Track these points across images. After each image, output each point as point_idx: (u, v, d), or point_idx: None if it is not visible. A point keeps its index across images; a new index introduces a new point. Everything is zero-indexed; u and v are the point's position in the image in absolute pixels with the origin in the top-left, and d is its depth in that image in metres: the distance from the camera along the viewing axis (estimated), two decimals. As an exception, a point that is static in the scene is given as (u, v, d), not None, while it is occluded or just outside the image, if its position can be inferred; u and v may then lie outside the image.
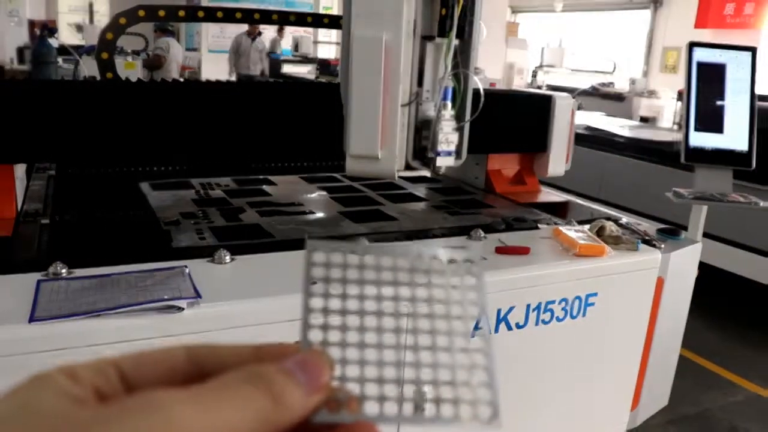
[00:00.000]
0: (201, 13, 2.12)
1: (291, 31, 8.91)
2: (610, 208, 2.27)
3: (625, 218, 1.93)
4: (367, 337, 0.31)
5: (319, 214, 1.81)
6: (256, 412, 0.26)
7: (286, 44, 9.07)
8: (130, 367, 0.29)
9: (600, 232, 1.67)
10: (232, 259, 1.33)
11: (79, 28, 10.00)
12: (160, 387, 0.28)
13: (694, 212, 2.02)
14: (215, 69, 8.35)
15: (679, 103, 6.89)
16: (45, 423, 0.24)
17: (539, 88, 7.90)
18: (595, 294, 1.59)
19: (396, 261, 0.31)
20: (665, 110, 7.33)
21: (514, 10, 11.57)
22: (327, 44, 10.22)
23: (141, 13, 1.90)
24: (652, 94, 7.53)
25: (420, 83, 1.57)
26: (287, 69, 8.51)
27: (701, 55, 2.00)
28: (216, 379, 0.27)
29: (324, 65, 8.25)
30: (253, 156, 1.89)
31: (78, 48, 7.63)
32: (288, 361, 0.29)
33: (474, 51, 1.57)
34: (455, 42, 1.52)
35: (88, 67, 6.25)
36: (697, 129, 1.99)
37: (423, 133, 1.59)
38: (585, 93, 7.16)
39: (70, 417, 0.25)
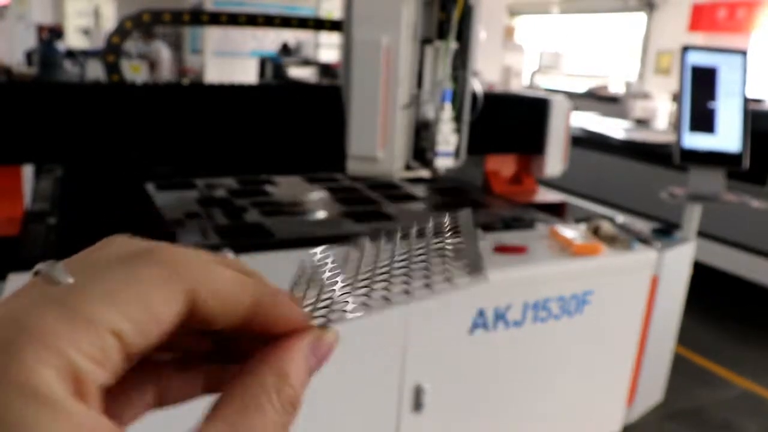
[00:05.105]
0: (205, 17, 2.15)
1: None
2: (605, 207, 2.30)
3: (620, 218, 1.96)
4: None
5: (321, 214, 1.83)
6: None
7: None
8: (131, 337, 0.23)
9: (596, 232, 1.70)
10: (235, 258, 1.35)
11: (86, 31, 10.00)
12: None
13: (688, 212, 2.05)
14: (219, 72, 8.35)
15: (673, 105, 6.93)
16: None
17: (536, 90, 7.93)
18: (591, 292, 1.62)
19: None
20: (659, 112, 7.37)
21: (512, 13, 11.62)
22: (328, 47, 10.23)
23: (146, 17, 1.93)
24: (646, 96, 7.57)
25: (419, 85, 1.60)
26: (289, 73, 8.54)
27: (694, 58, 2.04)
28: (263, 417, 0.25)
29: (325, 68, 8.26)
30: (257, 157, 1.91)
31: (84, 51, 7.66)
32: (314, 360, 0.28)
33: (472, 54, 1.60)
34: (454, 45, 1.56)
35: (94, 70, 6.27)
36: (690, 130, 2.02)
37: (422, 134, 1.62)
38: (581, 95, 7.20)
39: None
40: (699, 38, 8.15)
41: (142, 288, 0.24)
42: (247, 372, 0.26)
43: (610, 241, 1.67)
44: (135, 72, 6.37)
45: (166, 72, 7.17)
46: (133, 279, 0.24)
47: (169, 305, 0.24)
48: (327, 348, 0.29)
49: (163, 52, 7.18)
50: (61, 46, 7.54)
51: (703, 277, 2.89)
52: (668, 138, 4.25)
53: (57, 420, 0.19)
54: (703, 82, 2.03)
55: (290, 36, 8.80)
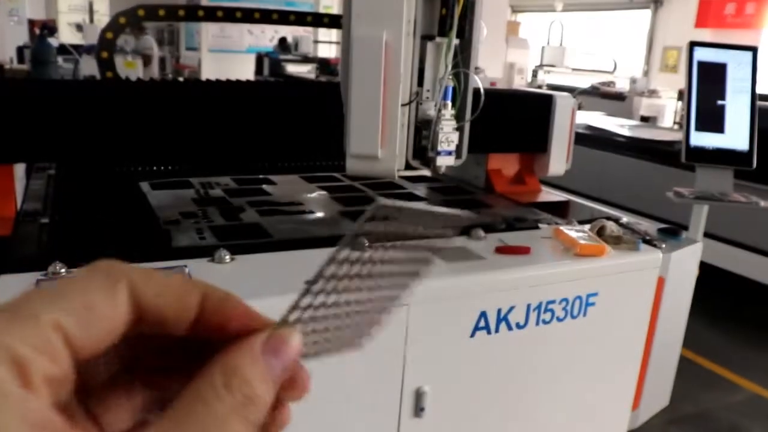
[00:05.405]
0: (201, 13, 2.12)
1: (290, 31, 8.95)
2: (610, 207, 2.26)
3: (625, 218, 1.93)
4: (330, 310, 0.32)
5: (319, 214, 1.80)
6: None
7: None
8: (74, 330, 0.25)
9: (600, 232, 1.67)
10: (232, 259, 1.33)
11: (79, 27, 10.01)
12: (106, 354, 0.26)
13: (695, 212, 2.02)
14: (215, 69, 8.36)
15: (680, 102, 6.88)
16: None
17: (540, 87, 7.90)
18: (596, 294, 1.59)
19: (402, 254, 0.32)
20: (666, 110, 7.33)
21: (515, 10, 11.57)
22: (327, 43, 10.22)
23: (141, 12, 1.90)
24: (652, 93, 7.52)
25: (420, 83, 1.56)
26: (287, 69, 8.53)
27: (702, 54, 2.00)
28: (206, 408, 0.25)
29: (324, 64, 8.24)
30: (254, 155, 1.88)
31: (78, 47, 7.65)
32: (272, 358, 0.27)
33: (474, 50, 1.57)
34: (455, 41, 1.52)
35: (88, 67, 6.27)
36: (697, 128, 1.99)
37: (423, 132, 1.59)
38: (585, 92, 7.16)
39: None
40: (706, 34, 8.07)
41: (83, 288, 0.26)
42: (199, 374, 0.26)
43: (615, 241, 1.64)
44: (129, 68, 6.38)
45: (156, 67, 7.27)
46: (75, 283, 0.26)
47: (110, 302, 0.26)
48: (287, 346, 0.28)
49: (154, 47, 7.26)
50: (54, 42, 7.53)
51: (710, 279, 2.85)
52: (675, 136, 4.20)
53: (1, 403, 0.21)
54: (711, 79, 1.99)
55: (288, 32, 8.77)
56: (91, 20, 9.71)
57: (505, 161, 2.26)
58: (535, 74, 8.78)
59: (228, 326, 0.28)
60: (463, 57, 1.55)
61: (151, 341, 0.29)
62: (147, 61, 7.10)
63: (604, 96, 7.66)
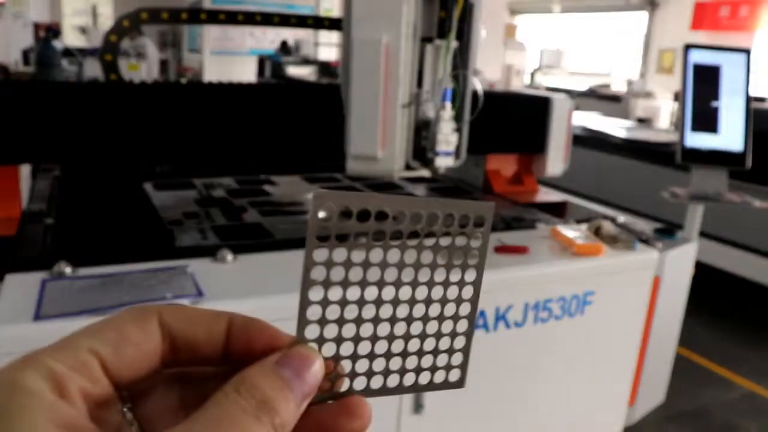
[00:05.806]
0: (203, 16, 2.14)
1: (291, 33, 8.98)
2: (607, 207, 2.29)
3: (622, 218, 1.95)
4: (363, 329, 0.30)
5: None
6: None
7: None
8: (109, 355, 0.27)
9: (597, 232, 1.69)
10: (234, 258, 1.35)
11: (83, 30, 10.01)
12: (142, 377, 0.28)
13: (690, 212, 2.04)
14: (217, 71, 8.37)
15: (675, 104, 6.90)
16: None
17: (537, 89, 7.90)
18: (593, 292, 1.61)
19: (401, 256, 0.31)
20: (661, 111, 7.35)
21: (513, 12, 11.61)
22: (327, 46, 10.23)
23: (144, 15, 1.92)
24: (648, 95, 7.55)
25: (419, 84, 1.58)
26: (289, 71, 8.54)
27: (697, 56, 2.03)
28: (218, 409, 0.25)
29: (325, 67, 8.25)
30: (256, 157, 1.90)
31: (82, 50, 7.66)
32: (285, 370, 0.28)
33: (473, 52, 1.59)
34: (454, 44, 1.54)
35: (92, 69, 6.28)
36: (693, 129, 2.01)
37: (422, 133, 1.61)
38: (582, 94, 7.18)
39: None
40: (701, 37, 8.12)
41: (116, 321, 0.28)
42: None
43: (612, 241, 1.66)
44: (132, 70, 6.38)
45: (155, 68, 7.26)
46: (109, 319, 0.28)
47: (142, 330, 0.28)
48: (302, 360, 0.28)
49: (150, 47, 7.24)
50: (59, 44, 7.54)
51: (705, 278, 2.88)
52: (670, 137, 4.23)
53: (32, 405, 0.23)
54: (706, 80, 2.02)
55: (289, 35, 8.79)
56: (95, 23, 9.70)
57: (504, 162, 2.28)
58: (533, 76, 8.80)
59: (254, 349, 0.29)
60: (461, 59, 1.57)
61: (191, 374, 0.30)
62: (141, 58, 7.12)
63: (600, 98, 7.68)
